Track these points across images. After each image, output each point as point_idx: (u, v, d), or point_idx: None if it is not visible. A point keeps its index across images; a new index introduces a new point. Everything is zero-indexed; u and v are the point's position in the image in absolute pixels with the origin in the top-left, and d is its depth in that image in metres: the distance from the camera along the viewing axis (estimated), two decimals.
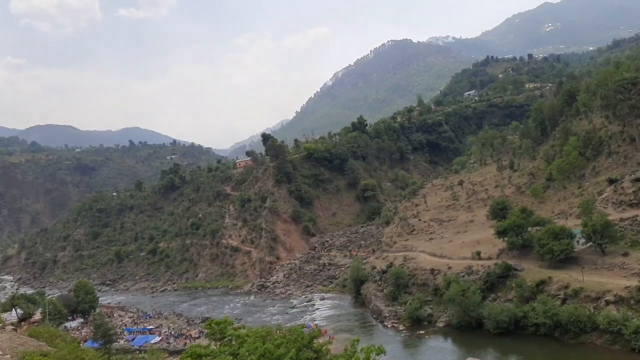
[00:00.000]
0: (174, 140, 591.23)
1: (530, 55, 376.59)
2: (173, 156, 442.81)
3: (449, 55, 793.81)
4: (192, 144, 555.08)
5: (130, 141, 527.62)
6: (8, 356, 19.07)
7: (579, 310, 60.37)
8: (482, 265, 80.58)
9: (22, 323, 69.19)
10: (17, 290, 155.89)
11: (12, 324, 33.12)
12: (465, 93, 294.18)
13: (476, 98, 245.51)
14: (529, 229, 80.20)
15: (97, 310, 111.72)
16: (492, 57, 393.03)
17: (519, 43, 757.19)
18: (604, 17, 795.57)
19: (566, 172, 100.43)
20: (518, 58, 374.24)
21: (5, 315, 60.87)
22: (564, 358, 59.03)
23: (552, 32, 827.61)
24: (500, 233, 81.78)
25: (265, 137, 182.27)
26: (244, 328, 31.24)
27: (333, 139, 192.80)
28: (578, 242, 73.67)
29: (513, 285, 72.96)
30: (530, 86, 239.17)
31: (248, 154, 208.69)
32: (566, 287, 66.10)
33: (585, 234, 70.47)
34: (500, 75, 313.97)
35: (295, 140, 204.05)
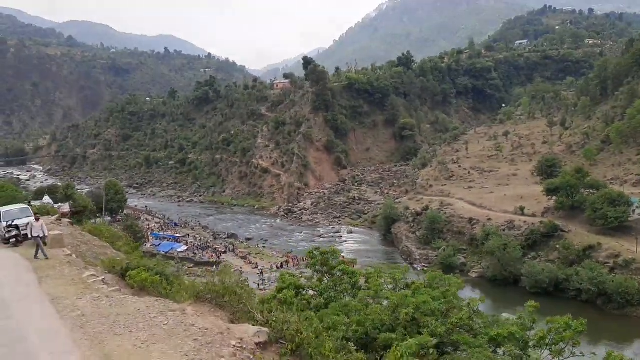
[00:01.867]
0: (209, 54, 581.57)
1: (590, 10, 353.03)
2: (207, 69, 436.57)
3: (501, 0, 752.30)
4: (227, 60, 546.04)
5: (166, 48, 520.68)
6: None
7: (629, 281, 57.57)
8: (524, 222, 77.53)
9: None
10: (46, 181, 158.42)
11: (62, 215, 31.88)
12: (517, 42, 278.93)
13: (530, 48, 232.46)
14: (582, 190, 76.31)
15: (125, 211, 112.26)
16: (549, 6, 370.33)
17: None
18: None
19: (626, 137, 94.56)
20: (578, 11, 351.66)
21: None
22: (605, 327, 56.85)
23: None
24: (550, 191, 77.90)
25: (307, 61, 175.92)
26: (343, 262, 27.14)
27: (376, 71, 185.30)
28: (634, 211, 69.81)
29: (557, 246, 70.15)
30: (590, 42, 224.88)
31: (286, 76, 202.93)
32: (616, 256, 63.10)
33: None
34: (557, 27, 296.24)
35: (337, 69, 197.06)
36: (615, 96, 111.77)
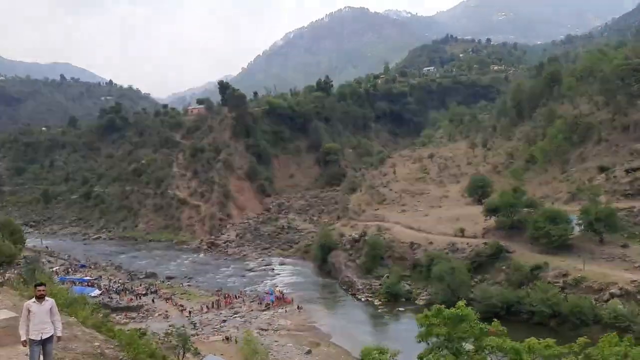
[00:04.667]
0: (110, 81, 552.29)
1: (488, 40, 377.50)
2: (109, 97, 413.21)
3: (404, 29, 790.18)
4: (130, 87, 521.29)
5: (62, 75, 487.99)
6: None
7: (582, 300, 56.04)
8: (467, 244, 75.58)
9: None
10: None
11: None
12: (425, 68, 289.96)
13: (440, 74, 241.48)
14: (520, 210, 75.76)
15: (24, 254, 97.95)
16: (451, 35, 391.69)
17: (472, 28, 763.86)
18: (555, 14, 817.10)
19: (549, 156, 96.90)
20: (477, 40, 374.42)
21: None
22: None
23: (504, 21, 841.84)
24: (490, 211, 76.77)
25: (223, 86, 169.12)
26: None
27: (296, 96, 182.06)
28: (573, 228, 69.76)
29: (503, 267, 68.45)
30: (495, 68, 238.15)
31: (200, 101, 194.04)
32: (564, 274, 61.83)
33: (586, 220, 66.32)
34: (461, 55, 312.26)
35: (255, 93, 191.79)
36: (533, 117, 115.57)
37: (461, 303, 19.57)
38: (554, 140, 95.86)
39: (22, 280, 21.00)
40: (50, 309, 10.55)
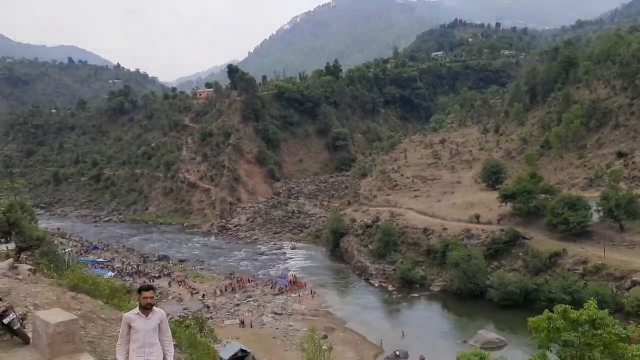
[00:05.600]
0: (118, 64, 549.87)
1: (498, 24, 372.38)
2: (116, 80, 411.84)
3: (412, 15, 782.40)
4: (137, 71, 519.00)
5: (70, 58, 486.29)
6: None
7: (603, 288, 55.24)
8: (482, 230, 74.70)
9: None
10: None
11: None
12: (433, 53, 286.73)
13: (450, 58, 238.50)
14: (537, 196, 74.71)
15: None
16: (460, 20, 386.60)
17: (480, 12, 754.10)
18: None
19: (565, 141, 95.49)
20: (486, 25, 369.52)
21: None
22: None
23: (512, 5, 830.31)
24: (506, 197, 75.69)
25: (233, 69, 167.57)
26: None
27: (305, 80, 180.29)
28: (591, 215, 68.74)
29: (520, 254, 67.70)
30: (506, 53, 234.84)
31: (209, 85, 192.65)
32: (584, 262, 61.05)
33: (606, 207, 65.24)
34: (470, 40, 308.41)
35: (264, 77, 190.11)
36: (547, 102, 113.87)
37: (592, 302, 16.31)
38: (570, 125, 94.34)
39: (51, 265, 19.06)
40: (159, 324, 7.60)
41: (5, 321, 7.53)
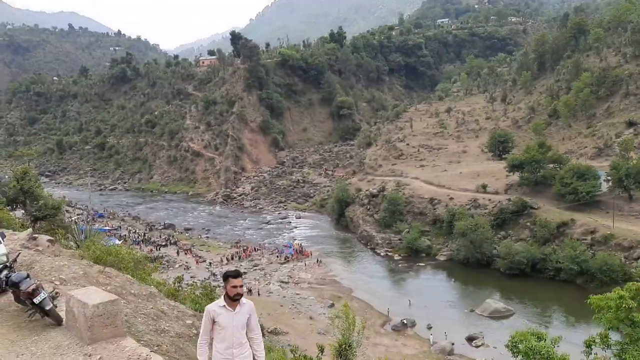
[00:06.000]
0: (119, 31, 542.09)
1: None
2: (117, 47, 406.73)
3: None
4: (139, 38, 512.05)
5: (70, 25, 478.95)
6: None
7: (611, 257, 55.18)
8: (489, 200, 74.47)
9: None
10: None
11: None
12: (439, 20, 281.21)
13: (456, 25, 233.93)
14: (546, 165, 74.14)
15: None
16: None
17: None
18: None
19: (574, 110, 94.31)
20: None
21: None
22: (587, 304, 54.41)
23: None
24: (514, 167, 75.13)
25: (236, 36, 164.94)
26: None
27: (308, 48, 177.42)
28: (600, 184, 68.28)
29: (528, 224, 67.54)
30: (514, 20, 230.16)
31: (212, 52, 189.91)
32: (592, 232, 60.92)
33: (615, 177, 64.68)
34: (476, 6, 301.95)
35: (267, 45, 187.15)
36: (556, 70, 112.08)
37: None
38: (579, 93, 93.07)
39: (67, 236, 18.25)
40: (249, 319, 6.31)
41: (36, 300, 6.89)
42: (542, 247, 62.07)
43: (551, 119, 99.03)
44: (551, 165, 74.02)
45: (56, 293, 7.68)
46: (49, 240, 10.62)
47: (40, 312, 7.14)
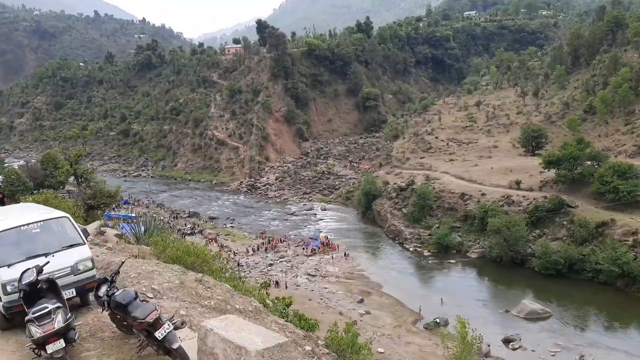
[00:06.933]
0: (143, 18, 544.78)
1: None
2: (142, 35, 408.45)
3: None
4: (163, 26, 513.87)
5: (96, 11, 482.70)
6: None
7: None
8: (523, 197, 72.20)
9: None
10: None
11: None
12: (466, 13, 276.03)
13: (485, 17, 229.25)
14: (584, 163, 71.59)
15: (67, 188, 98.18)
16: None
17: None
18: None
19: (611, 106, 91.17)
20: None
21: None
22: (629, 308, 52.38)
23: None
24: (551, 163, 72.66)
25: (262, 25, 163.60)
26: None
27: (335, 38, 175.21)
28: None
29: (564, 222, 65.23)
30: (544, 13, 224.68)
31: (237, 41, 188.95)
32: (634, 233, 58.44)
33: None
34: None
35: (293, 34, 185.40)
36: (592, 65, 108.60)
37: None
38: (617, 89, 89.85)
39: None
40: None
41: (159, 335, 5.01)
42: (579, 247, 59.92)
43: (587, 115, 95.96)
44: (589, 163, 71.46)
45: (182, 323, 5.74)
46: (117, 235, 9.33)
47: (155, 346, 5.31)
